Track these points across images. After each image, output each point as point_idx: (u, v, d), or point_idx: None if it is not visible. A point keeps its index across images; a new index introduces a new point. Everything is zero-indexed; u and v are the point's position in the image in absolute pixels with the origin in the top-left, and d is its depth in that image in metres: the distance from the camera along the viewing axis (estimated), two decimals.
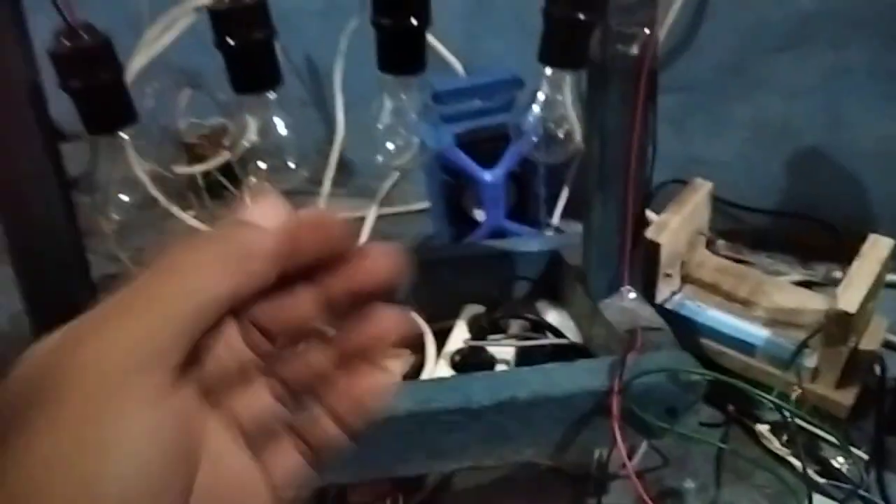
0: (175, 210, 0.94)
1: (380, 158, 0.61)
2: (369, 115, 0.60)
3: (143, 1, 1.03)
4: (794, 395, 0.64)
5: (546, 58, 0.59)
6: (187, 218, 0.95)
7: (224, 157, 1.03)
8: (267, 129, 0.57)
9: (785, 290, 0.80)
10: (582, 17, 0.56)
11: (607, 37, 0.60)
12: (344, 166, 1.06)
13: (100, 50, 0.51)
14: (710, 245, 0.85)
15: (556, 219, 0.99)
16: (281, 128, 0.60)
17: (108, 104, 0.53)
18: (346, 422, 0.28)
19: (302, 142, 1.05)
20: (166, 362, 0.23)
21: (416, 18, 0.55)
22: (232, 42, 0.52)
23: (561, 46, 0.58)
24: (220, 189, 1.07)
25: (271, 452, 0.27)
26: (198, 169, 1.03)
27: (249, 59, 0.53)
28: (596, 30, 0.59)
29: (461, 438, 0.52)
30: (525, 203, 0.95)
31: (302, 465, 0.28)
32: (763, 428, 0.61)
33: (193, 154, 1.08)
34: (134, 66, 1.01)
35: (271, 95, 0.55)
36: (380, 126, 0.59)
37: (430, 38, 0.98)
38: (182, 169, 1.04)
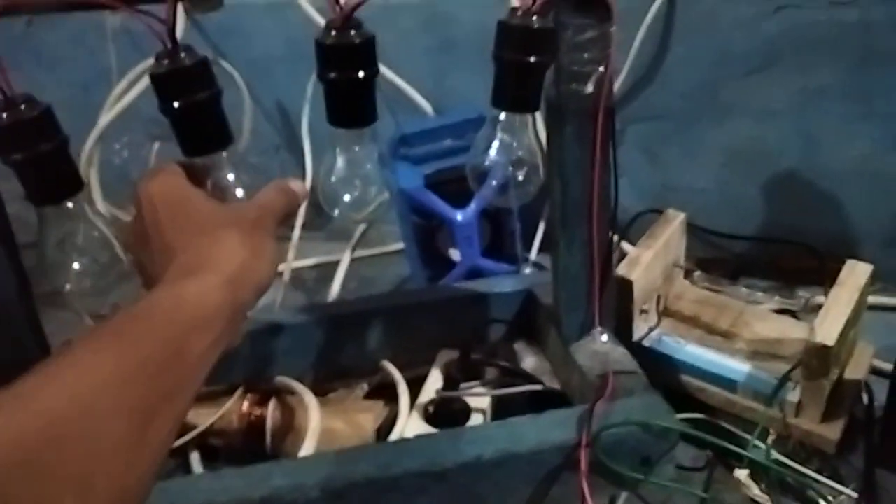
0: None
1: (336, 212, 0.60)
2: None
3: (111, 56, 1.03)
4: (770, 439, 0.62)
5: (499, 102, 0.58)
6: None
7: None
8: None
9: (766, 320, 0.78)
10: (533, 59, 0.55)
11: (560, 76, 0.59)
12: (319, 210, 1.05)
13: (39, 121, 0.50)
14: (687, 276, 0.83)
15: (534, 254, 0.97)
16: (238, 190, 0.59)
17: (50, 175, 0.52)
18: None
19: None
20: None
21: (363, 70, 0.54)
22: (176, 105, 0.51)
23: (514, 90, 0.57)
24: None
25: None
26: None
27: (195, 121, 0.52)
28: (548, 70, 0.58)
29: (426, 503, 0.50)
30: (500, 240, 0.93)
31: None
32: (742, 474, 0.59)
33: None
34: (104, 119, 1.02)
35: (223, 154, 0.54)
36: (333, 180, 0.58)
37: (398, 80, 0.98)
38: None
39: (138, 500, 0.33)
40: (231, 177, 0.55)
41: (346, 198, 0.60)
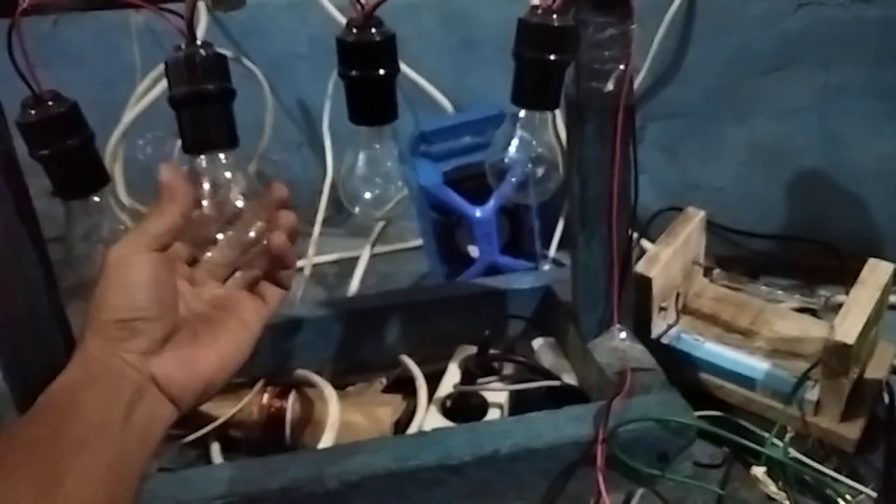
0: None
1: (357, 210, 0.60)
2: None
3: (135, 54, 1.04)
4: (788, 437, 0.62)
5: (519, 100, 0.58)
6: None
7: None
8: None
9: (787, 318, 0.78)
10: (553, 57, 0.55)
11: (581, 74, 0.59)
12: (339, 206, 1.06)
13: (66, 117, 0.51)
14: (707, 274, 0.83)
15: (552, 251, 0.97)
16: (235, 190, 0.59)
17: (77, 170, 0.53)
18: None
19: (299, 183, 1.06)
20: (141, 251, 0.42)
21: (383, 68, 0.55)
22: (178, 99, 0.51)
23: (534, 88, 0.57)
24: None
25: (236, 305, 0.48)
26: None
27: (197, 118, 0.52)
28: (569, 68, 0.58)
29: (443, 496, 0.51)
30: (519, 237, 0.94)
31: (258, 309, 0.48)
32: (759, 471, 0.59)
33: None
34: (128, 116, 1.03)
35: (222, 157, 0.53)
36: (354, 178, 0.58)
37: (419, 78, 0.99)
38: None
39: None
40: (228, 175, 0.54)
41: (367, 195, 0.60)
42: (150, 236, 0.43)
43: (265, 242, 0.49)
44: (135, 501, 0.36)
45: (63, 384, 0.38)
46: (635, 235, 0.91)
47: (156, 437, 0.39)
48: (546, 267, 0.93)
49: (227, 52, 0.80)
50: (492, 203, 0.87)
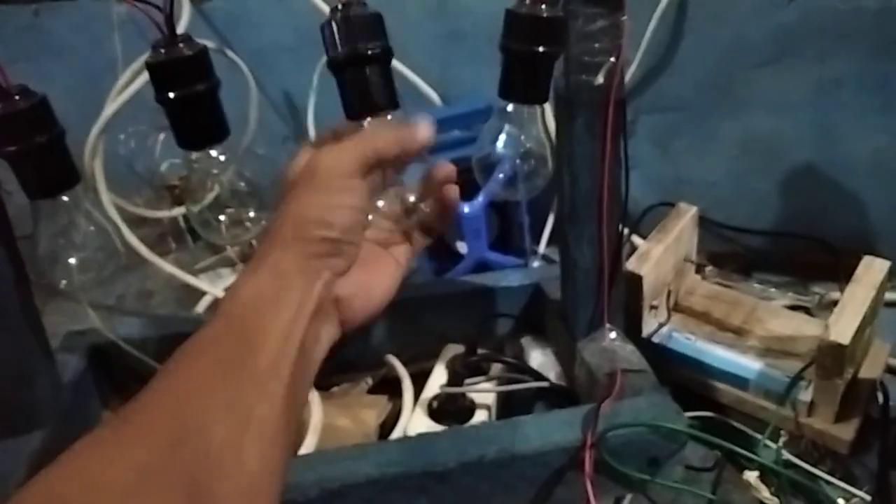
0: (149, 255, 0.92)
1: (412, 198, 0.57)
2: None
3: (117, 45, 1.02)
4: (782, 439, 0.60)
5: (506, 94, 0.56)
6: (163, 264, 0.93)
7: (211, 196, 1.02)
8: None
9: (780, 316, 0.76)
10: (541, 49, 0.53)
11: (570, 67, 0.57)
12: None
13: (33, 113, 0.49)
14: (699, 271, 0.82)
15: (542, 247, 0.96)
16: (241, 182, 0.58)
17: (44, 168, 0.51)
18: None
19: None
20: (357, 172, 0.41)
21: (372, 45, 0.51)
22: (171, 96, 0.50)
23: (521, 81, 0.56)
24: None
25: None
26: (175, 212, 1.01)
27: (188, 114, 0.50)
28: (558, 60, 0.56)
29: (428, 503, 0.49)
30: (509, 233, 0.92)
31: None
32: (751, 476, 0.58)
33: (175, 196, 1.07)
34: (109, 109, 1.01)
35: (213, 152, 0.52)
36: None
37: (405, 70, 0.97)
38: (156, 213, 1.03)
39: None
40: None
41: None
42: (370, 153, 0.42)
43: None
44: (302, 417, 0.38)
45: (252, 295, 0.37)
46: (626, 231, 0.90)
47: (321, 357, 0.40)
48: (535, 263, 0.92)
49: (210, 44, 0.78)
50: (480, 199, 0.85)
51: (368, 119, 0.46)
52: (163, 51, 0.50)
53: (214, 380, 0.34)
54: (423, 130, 0.45)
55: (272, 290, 0.37)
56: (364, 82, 0.46)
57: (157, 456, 0.30)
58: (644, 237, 0.77)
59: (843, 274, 0.69)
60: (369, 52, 0.46)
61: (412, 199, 0.49)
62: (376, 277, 0.45)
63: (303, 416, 0.65)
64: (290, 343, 0.36)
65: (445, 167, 0.50)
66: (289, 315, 0.37)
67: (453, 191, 0.50)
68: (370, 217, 0.45)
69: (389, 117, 0.47)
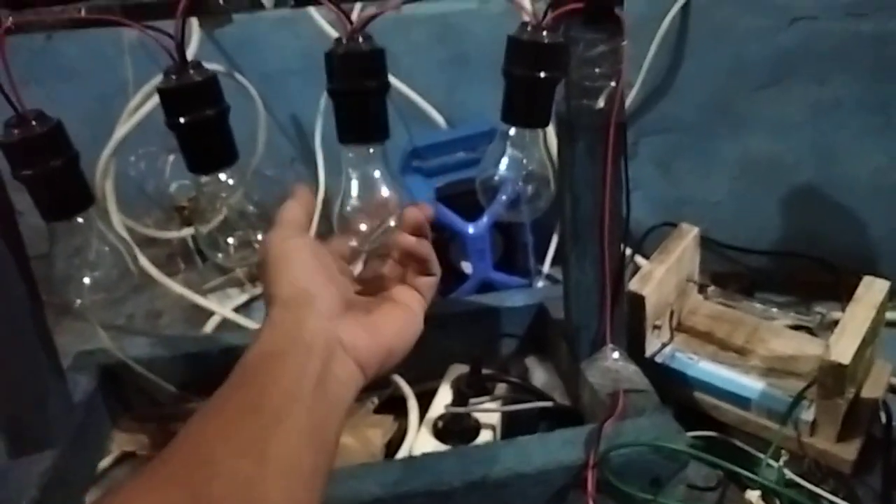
0: (158, 276, 0.93)
1: (354, 243, 0.59)
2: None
3: (128, 69, 1.04)
4: (783, 459, 0.61)
5: (509, 118, 0.58)
6: (172, 284, 0.94)
7: (219, 218, 1.03)
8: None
9: (782, 336, 0.77)
10: (542, 75, 0.54)
11: (571, 91, 0.59)
12: (328, 221, 1.05)
13: (49, 138, 0.50)
14: (701, 291, 0.82)
15: (547, 266, 0.97)
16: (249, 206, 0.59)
17: (59, 191, 0.52)
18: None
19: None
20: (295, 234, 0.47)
21: (372, 81, 0.53)
22: (181, 122, 0.51)
23: (523, 106, 0.57)
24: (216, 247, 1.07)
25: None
26: (184, 233, 1.03)
27: (200, 137, 0.52)
28: (559, 85, 0.57)
29: None
30: (513, 252, 0.93)
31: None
32: (753, 495, 0.58)
33: (184, 217, 1.08)
34: (120, 131, 1.02)
35: (222, 176, 0.54)
36: (348, 209, 0.57)
37: (411, 93, 0.98)
38: (165, 233, 1.04)
39: None
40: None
41: (363, 227, 0.58)
42: (289, 223, 0.48)
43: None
44: (334, 460, 0.39)
45: (257, 353, 0.40)
46: (629, 251, 0.91)
47: (347, 401, 0.41)
48: (540, 283, 0.92)
49: (219, 67, 0.80)
50: (485, 219, 0.86)
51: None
52: (173, 77, 0.52)
53: (234, 424, 0.36)
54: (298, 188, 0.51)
55: (274, 346, 0.40)
56: (354, 114, 0.49)
57: (190, 494, 0.33)
58: (647, 257, 0.78)
59: (844, 293, 0.70)
60: (362, 88, 0.48)
61: (353, 242, 0.53)
62: (381, 318, 0.46)
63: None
64: (302, 385, 0.38)
65: (414, 214, 0.51)
66: (294, 364, 0.39)
67: (413, 213, 0.52)
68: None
69: (371, 150, 0.52)
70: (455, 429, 0.65)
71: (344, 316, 0.43)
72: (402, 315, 0.49)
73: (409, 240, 0.52)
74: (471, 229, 0.85)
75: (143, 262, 0.93)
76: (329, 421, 0.39)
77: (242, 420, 0.36)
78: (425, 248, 0.53)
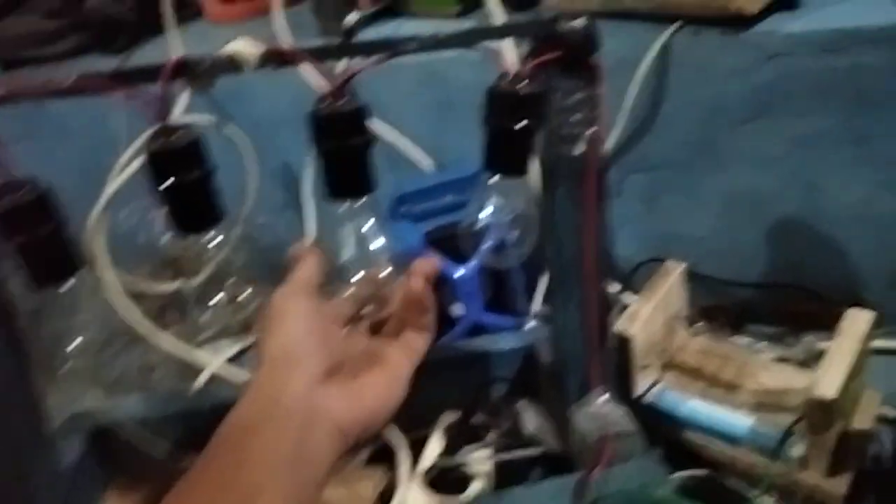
0: (149, 332, 0.93)
1: (351, 291, 0.59)
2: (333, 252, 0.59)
3: (121, 122, 1.05)
4: (773, 500, 0.61)
5: (490, 166, 0.59)
6: (164, 340, 0.94)
7: (204, 274, 1.02)
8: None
9: (770, 370, 0.77)
10: (521, 125, 0.56)
11: (550, 139, 0.60)
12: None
13: (37, 205, 0.51)
14: (690, 326, 0.83)
15: (537, 305, 0.97)
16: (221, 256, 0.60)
17: (49, 257, 0.53)
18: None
19: (284, 245, 1.06)
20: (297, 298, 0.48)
21: (356, 137, 0.55)
22: (165, 185, 0.52)
23: (503, 155, 0.58)
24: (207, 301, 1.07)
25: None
26: (176, 284, 1.03)
27: (181, 202, 0.53)
28: (539, 132, 0.58)
29: None
30: (503, 293, 0.93)
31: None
32: None
33: (177, 268, 1.09)
34: (111, 186, 1.03)
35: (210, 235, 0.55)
36: (340, 261, 0.57)
37: (401, 137, 1.00)
38: (157, 285, 1.04)
39: None
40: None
41: (355, 279, 0.59)
42: (297, 281, 0.49)
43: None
44: None
45: (236, 421, 0.41)
46: (619, 289, 0.91)
47: (327, 466, 0.42)
48: (530, 324, 0.93)
49: (209, 117, 0.81)
50: (473, 262, 0.87)
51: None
52: (157, 140, 0.53)
53: (212, 502, 0.37)
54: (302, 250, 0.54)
55: (253, 412, 0.41)
56: (341, 171, 0.49)
57: None
58: (637, 293, 0.79)
59: (832, 322, 0.70)
60: (347, 146, 0.49)
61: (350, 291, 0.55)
62: (366, 383, 0.47)
63: None
64: (280, 455, 0.39)
65: (425, 265, 0.54)
66: (272, 433, 0.40)
67: (424, 265, 0.55)
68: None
69: (360, 203, 0.54)
70: (447, 479, 0.66)
71: (329, 382, 0.43)
72: (387, 380, 0.50)
73: (419, 285, 0.53)
74: (459, 272, 0.86)
75: (136, 317, 0.94)
76: (308, 487, 0.39)
77: (223, 496, 0.37)
78: (430, 299, 0.54)
